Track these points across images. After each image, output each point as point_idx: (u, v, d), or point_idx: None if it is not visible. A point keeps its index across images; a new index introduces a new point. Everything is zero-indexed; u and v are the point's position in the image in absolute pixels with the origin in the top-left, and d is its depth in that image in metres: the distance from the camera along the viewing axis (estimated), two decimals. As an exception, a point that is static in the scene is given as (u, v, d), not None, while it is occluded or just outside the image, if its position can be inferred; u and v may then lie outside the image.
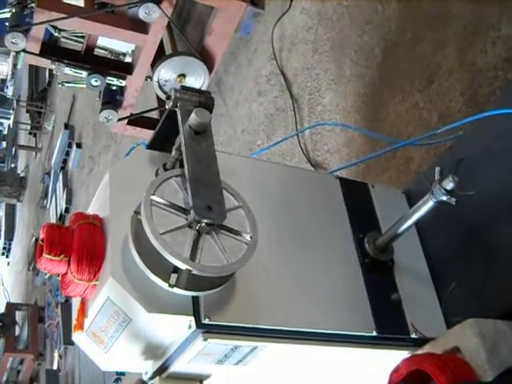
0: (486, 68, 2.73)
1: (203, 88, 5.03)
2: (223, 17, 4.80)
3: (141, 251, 1.78)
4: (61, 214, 10.53)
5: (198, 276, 1.73)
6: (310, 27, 4.20)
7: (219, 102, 5.20)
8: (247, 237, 1.84)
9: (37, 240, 11.79)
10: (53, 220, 10.85)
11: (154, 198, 1.80)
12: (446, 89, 2.91)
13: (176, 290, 1.77)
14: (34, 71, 16.34)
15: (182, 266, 1.69)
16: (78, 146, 10.39)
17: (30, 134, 16.42)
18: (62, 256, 1.91)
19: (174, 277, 1.74)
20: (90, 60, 5.25)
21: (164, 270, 1.74)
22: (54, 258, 1.91)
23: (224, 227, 1.82)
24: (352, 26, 3.74)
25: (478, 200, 2.25)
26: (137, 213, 1.81)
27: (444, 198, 1.99)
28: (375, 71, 3.47)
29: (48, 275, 2.03)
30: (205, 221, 1.75)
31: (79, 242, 1.91)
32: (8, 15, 4.99)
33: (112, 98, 5.33)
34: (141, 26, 4.84)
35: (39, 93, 15.75)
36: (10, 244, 17.77)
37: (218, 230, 1.81)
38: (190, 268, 1.70)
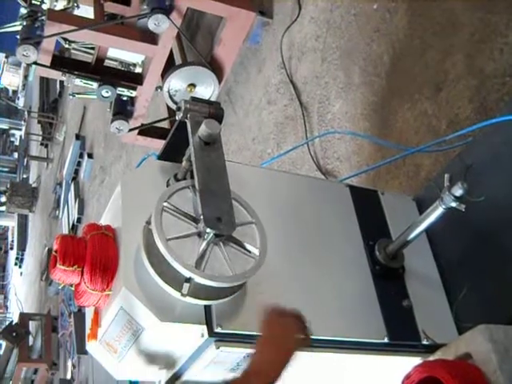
0: (494, 75, 2.73)
1: (213, 97, 5.06)
2: (232, 27, 4.83)
3: (153, 261, 1.79)
4: (73, 224, 10.56)
5: (209, 285, 1.74)
6: (318, 36, 4.22)
7: (229, 111, 5.22)
8: (255, 251, 1.85)
9: (49, 250, 11.85)
10: (65, 230, 10.88)
11: (165, 204, 1.82)
12: (455, 96, 2.92)
13: (188, 300, 1.78)
14: (45, 82, 16.41)
15: (186, 272, 1.71)
16: (90, 156, 10.42)
17: (42, 144, 16.48)
18: (75, 266, 1.93)
19: (186, 286, 1.75)
20: (100, 71, 5.29)
21: (176, 279, 1.76)
22: (67, 269, 1.92)
23: (233, 239, 1.84)
24: (360, 34, 3.76)
25: (488, 206, 2.26)
26: (148, 223, 1.83)
27: (453, 204, 2.00)
28: (384, 79, 3.48)
29: (62, 285, 2.04)
30: (214, 231, 1.77)
31: (92, 252, 1.93)
32: (19, 28, 5.04)
33: (123, 109, 5.37)
34: (150, 37, 4.88)
35: (50, 104, 15.81)
36: (22, 254, 17.84)
37: (226, 240, 1.83)
38: (193, 275, 1.72)
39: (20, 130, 21.45)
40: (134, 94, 5.29)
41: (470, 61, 2.88)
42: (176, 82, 5.04)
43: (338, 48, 3.98)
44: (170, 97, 5.13)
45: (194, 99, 2.04)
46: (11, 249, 20.68)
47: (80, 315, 8.66)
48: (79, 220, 10.43)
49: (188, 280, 1.74)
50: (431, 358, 1.96)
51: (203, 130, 1.93)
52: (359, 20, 3.80)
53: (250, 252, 1.85)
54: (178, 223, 1.81)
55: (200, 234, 1.80)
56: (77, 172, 11.11)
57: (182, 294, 1.77)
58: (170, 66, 5.14)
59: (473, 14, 2.90)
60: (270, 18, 4.89)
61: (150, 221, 1.79)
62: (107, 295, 1.93)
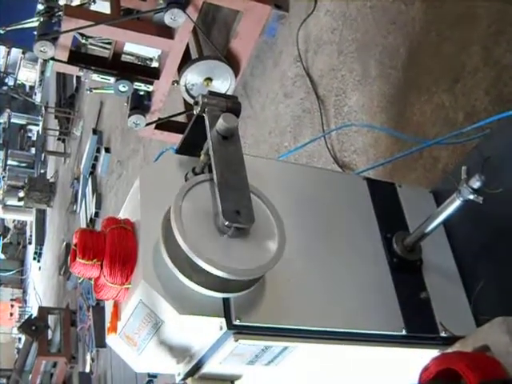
0: (511, 66, 2.72)
1: (230, 91, 5.07)
2: (248, 20, 4.83)
3: (172, 254, 1.81)
4: (91, 219, 10.62)
5: (228, 278, 1.75)
6: (334, 29, 4.21)
7: (246, 104, 5.23)
8: (274, 244, 1.86)
9: (67, 245, 11.89)
10: (83, 224, 10.93)
11: (183, 203, 1.83)
12: (472, 88, 2.91)
13: (207, 292, 1.80)
14: (62, 77, 16.48)
15: (205, 266, 1.72)
16: (107, 150, 10.46)
17: (59, 139, 16.56)
18: (94, 260, 1.94)
19: (205, 279, 1.77)
20: (117, 66, 5.31)
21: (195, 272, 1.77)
22: (87, 263, 1.93)
23: (251, 232, 1.85)
24: (376, 26, 3.75)
25: (506, 198, 2.25)
26: (167, 217, 1.84)
27: (471, 196, 1.99)
28: (400, 71, 3.47)
29: (81, 279, 2.06)
30: (233, 225, 1.78)
31: (111, 246, 1.94)
32: (36, 24, 5.07)
33: (140, 103, 5.39)
34: (167, 32, 4.89)
35: (67, 99, 15.89)
36: (41, 249, 17.94)
37: (244, 234, 1.83)
38: (222, 273, 1.72)
39: (37, 125, 21.57)
40: (150, 88, 5.31)
41: (487, 53, 2.87)
42: (192, 76, 5.06)
43: (354, 41, 3.97)
44: (187, 91, 5.15)
45: (212, 93, 2.04)
46: (29, 243, 20.80)
47: (98, 309, 8.71)
48: (97, 214, 10.48)
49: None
50: (449, 350, 1.96)
51: (221, 123, 1.93)
52: (375, 12, 3.79)
53: (268, 245, 1.86)
54: (197, 218, 1.82)
55: (218, 228, 1.81)
56: (94, 166, 11.15)
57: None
58: (186, 61, 5.16)
59: (490, 6, 2.89)
60: (285, 11, 4.89)
61: (169, 214, 1.80)
62: (126, 289, 1.95)
